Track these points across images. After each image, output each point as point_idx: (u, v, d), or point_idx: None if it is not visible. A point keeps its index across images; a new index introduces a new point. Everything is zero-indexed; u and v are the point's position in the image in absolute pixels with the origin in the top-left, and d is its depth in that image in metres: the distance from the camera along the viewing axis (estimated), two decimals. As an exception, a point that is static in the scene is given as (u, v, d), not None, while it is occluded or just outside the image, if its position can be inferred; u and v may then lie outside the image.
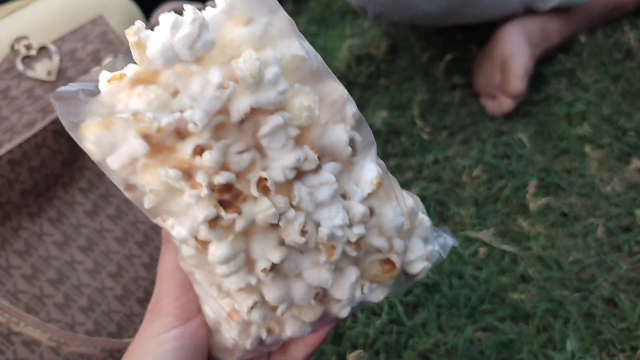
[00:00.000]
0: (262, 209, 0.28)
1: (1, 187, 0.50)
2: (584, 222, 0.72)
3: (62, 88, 0.28)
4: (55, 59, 0.59)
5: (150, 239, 0.59)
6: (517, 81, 0.82)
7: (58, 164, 0.55)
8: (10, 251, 0.51)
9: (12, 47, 0.58)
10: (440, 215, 0.75)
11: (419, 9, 0.85)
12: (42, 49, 0.59)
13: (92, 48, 0.61)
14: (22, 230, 0.52)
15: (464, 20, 0.92)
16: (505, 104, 0.85)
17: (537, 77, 0.91)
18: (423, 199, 0.76)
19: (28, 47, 0.58)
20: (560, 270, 0.67)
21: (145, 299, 0.57)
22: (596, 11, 0.95)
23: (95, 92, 0.29)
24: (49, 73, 0.59)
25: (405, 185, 0.78)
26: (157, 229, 0.60)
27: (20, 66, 0.58)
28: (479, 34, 0.99)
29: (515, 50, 0.85)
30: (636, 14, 0.99)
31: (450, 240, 0.36)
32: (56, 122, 0.52)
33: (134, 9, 0.66)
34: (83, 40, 0.61)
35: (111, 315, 0.54)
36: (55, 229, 0.54)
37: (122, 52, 0.58)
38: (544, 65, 0.93)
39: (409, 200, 0.34)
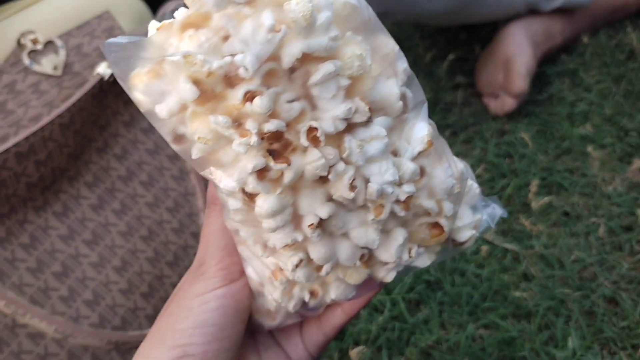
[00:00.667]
0: (311, 160, 0.27)
1: (8, 180, 0.50)
2: (585, 222, 0.72)
3: (111, 40, 0.28)
4: (62, 53, 0.60)
5: (155, 233, 0.60)
6: (520, 81, 0.82)
7: (64, 158, 0.55)
8: (15, 244, 0.51)
9: (18, 41, 0.58)
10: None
11: (423, 8, 0.86)
12: (49, 44, 0.59)
13: (98, 43, 0.61)
14: (27, 224, 0.53)
15: (467, 20, 0.92)
16: (508, 103, 0.85)
17: (540, 77, 0.91)
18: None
19: (34, 42, 0.59)
20: (562, 268, 0.67)
21: (149, 294, 0.57)
22: (599, 12, 0.96)
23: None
24: (55, 68, 0.59)
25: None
26: (161, 224, 0.61)
27: (26, 60, 0.58)
28: (483, 34, 0.99)
29: (518, 50, 0.85)
30: (639, 15, 1.00)
31: (499, 210, 0.35)
32: (63, 115, 0.53)
33: (141, 5, 0.66)
34: (89, 35, 0.61)
35: (115, 309, 0.54)
36: (60, 223, 0.54)
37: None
38: (546, 66, 0.93)
39: (459, 164, 0.33)
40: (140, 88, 0.28)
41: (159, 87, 0.27)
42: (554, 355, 0.60)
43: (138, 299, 0.56)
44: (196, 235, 0.63)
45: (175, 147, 0.29)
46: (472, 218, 0.34)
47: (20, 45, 0.58)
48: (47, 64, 0.59)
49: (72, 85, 0.60)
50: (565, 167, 0.79)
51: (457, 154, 0.83)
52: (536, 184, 0.76)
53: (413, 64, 0.98)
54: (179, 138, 0.29)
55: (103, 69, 0.56)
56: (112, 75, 0.56)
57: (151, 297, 0.58)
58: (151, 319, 0.57)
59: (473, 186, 0.34)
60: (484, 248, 0.70)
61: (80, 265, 0.54)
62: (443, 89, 0.94)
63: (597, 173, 0.77)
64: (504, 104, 0.85)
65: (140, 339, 0.48)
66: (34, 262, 0.52)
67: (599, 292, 0.64)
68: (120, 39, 0.28)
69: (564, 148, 0.81)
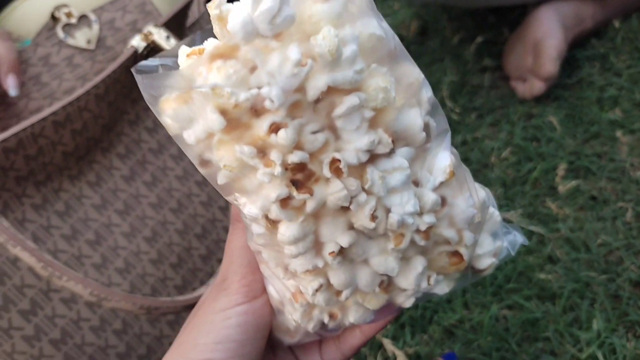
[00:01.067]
0: (333, 190, 0.28)
1: (45, 148, 0.51)
2: (613, 206, 0.71)
3: (143, 62, 0.29)
4: (95, 27, 0.60)
5: (184, 206, 0.61)
6: (550, 64, 0.82)
7: (99, 129, 0.56)
8: (51, 211, 0.53)
9: (52, 14, 0.59)
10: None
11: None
12: (82, 18, 0.60)
13: (130, 18, 0.62)
14: (62, 192, 0.54)
15: (496, 2, 0.92)
16: (536, 86, 0.84)
17: (570, 61, 0.90)
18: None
19: (69, 15, 0.60)
20: (588, 252, 0.67)
21: (178, 265, 0.59)
22: (631, -3, 0.94)
23: (174, 67, 0.29)
24: (89, 41, 0.60)
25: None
26: (190, 197, 0.62)
27: (60, 33, 0.59)
28: (511, 17, 0.98)
29: (548, 33, 0.84)
30: (673, 0, 0.98)
31: (520, 238, 0.35)
32: (98, 86, 0.54)
33: (173, -20, 0.67)
34: (122, 10, 0.62)
35: (146, 278, 0.56)
36: (94, 192, 0.56)
37: (161, 23, 0.59)
38: (577, 50, 0.92)
39: (481, 192, 0.33)
40: (169, 113, 0.28)
41: (187, 113, 0.28)
42: (578, 336, 0.60)
43: (167, 269, 0.58)
44: (224, 210, 0.64)
45: (202, 170, 0.30)
46: (493, 245, 0.34)
47: (54, 18, 0.59)
48: (81, 38, 0.60)
49: (105, 60, 0.61)
50: (593, 151, 0.78)
51: (483, 137, 0.82)
52: (563, 167, 0.75)
53: (440, 46, 0.98)
54: (206, 163, 0.29)
55: (137, 42, 0.57)
56: (145, 48, 0.57)
57: (180, 268, 0.59)
58: (180, 289, 0.58)
59: (494, 214, 0.34)
60: (509, 230, 0.69)
61: (113, 234, 0.55)
62: (470, 71, 0.94)
63: (625, 158, 0.76)
64: (533, 87, 0.85)
65: (170, 304, 0.49)
66: (68, 229, 0.53)
67: (625, 276, 0.64)
68: (150, 62, 0.29)
69: (593, 132, 0.80)
